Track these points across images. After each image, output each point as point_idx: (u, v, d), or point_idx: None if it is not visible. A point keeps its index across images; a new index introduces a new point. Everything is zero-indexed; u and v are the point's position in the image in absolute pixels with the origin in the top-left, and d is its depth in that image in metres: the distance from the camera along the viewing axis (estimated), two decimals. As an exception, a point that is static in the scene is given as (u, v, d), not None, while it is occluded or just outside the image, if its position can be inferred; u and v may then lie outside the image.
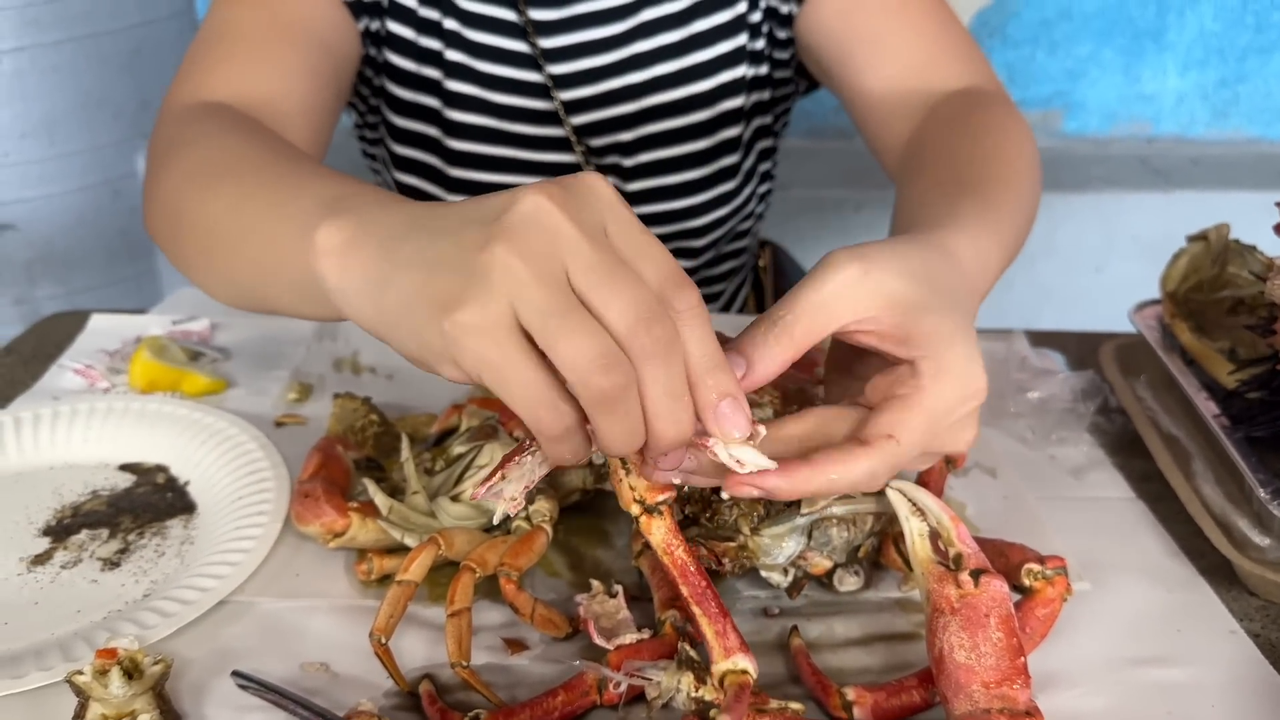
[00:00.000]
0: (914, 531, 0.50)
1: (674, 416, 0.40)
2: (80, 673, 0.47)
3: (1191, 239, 0.78)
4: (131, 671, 0.47)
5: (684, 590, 0.46)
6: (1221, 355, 0.71)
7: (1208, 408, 0.67)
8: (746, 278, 1.10)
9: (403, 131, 0.88)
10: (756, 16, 0.87)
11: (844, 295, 0.45)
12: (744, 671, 0.45)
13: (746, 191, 0.94)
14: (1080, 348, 0.82)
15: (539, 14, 0.85)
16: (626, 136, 0.88)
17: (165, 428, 0.68)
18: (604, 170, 0.89)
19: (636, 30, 0.86)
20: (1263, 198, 0.76)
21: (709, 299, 1.02)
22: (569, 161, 0.88)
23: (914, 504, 0.50)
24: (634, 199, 0.90)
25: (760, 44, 0.88)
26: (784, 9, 0.86)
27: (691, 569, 0.46)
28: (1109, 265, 1.74)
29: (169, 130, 0.69)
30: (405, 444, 0.61)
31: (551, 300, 0.38)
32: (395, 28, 0.85)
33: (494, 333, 0.39)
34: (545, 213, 0.39)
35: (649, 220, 0.91)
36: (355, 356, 0.79)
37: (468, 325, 0.39)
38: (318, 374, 0.77)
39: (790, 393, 0.57)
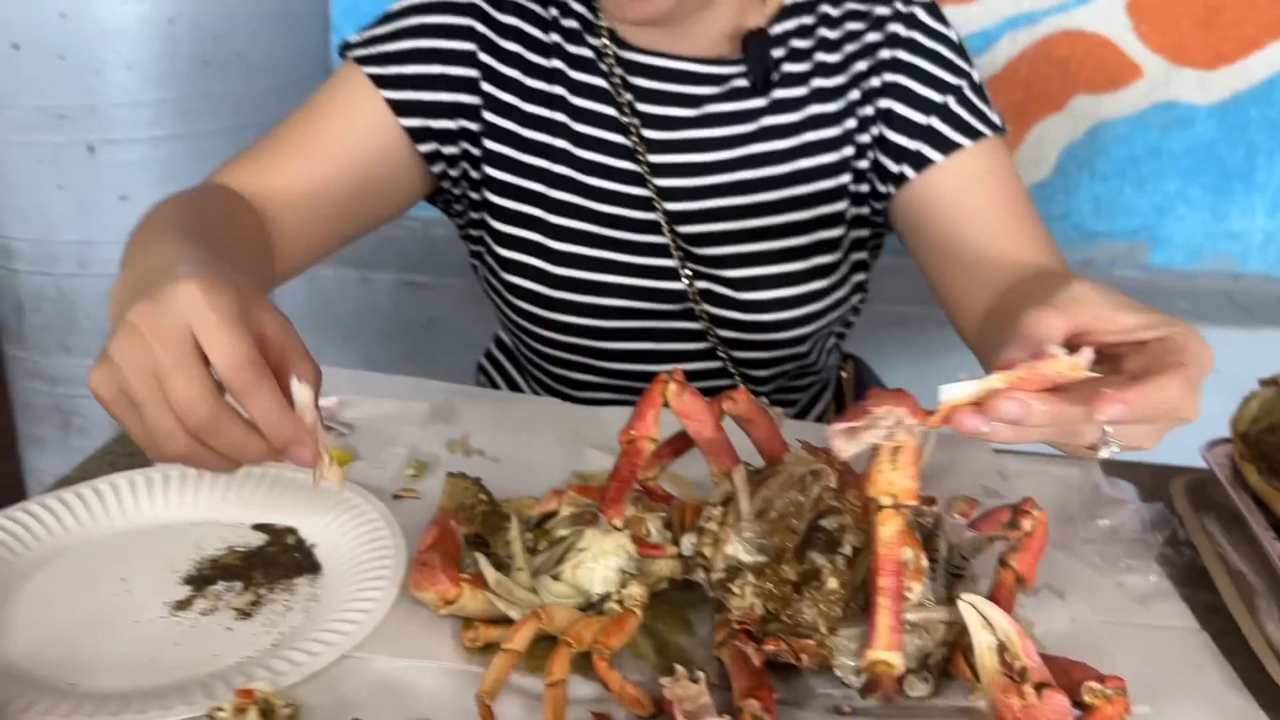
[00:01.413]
0: (982, 644, 0.53)
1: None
2: (221, 709, 0.53)
3: (1264, 383, 0.81)
4: (266, 712, 0.53)
5: (883, 582, 0.53)
6: (1291, 497, 0.74)
7: (1274, 547, 0.70)
8: (828, 388, 1.15)
9: (507, 237, 0.95)
10: (863, 164, 0.94)
11: (1089, 297, 0.57)
12: (892, 665, 0.53)
13: (835, 314, 0.99)
14: (1153, 479, 0.85)
15: (651, 133, 0.93)
16: (725, 250, 0.94)
17: (296, 494, 0.75)
18: (702, 278, 0.96)
19: (745, 160, 0.93)
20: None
21: (785, 404, 1.07)
22: (668, 265, 0.95)
23: (984, 618, 0.54)
24: (729, 304, 0.96)
25: (864, 187, 0.95)
26: (894, 169, 0.92)
27: (898, 570, 0.53)
28: (1192, 398, 1.75)
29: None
30: (515, 524, 0.66)
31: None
32: (495, 147, 0.93)
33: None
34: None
35: (742, 326, 0.97)
36: (466, 439, 0.86)
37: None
38: (432, 453, 0.84)
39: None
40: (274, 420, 0.56)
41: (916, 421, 0.52)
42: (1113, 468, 0.85)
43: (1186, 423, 0.56)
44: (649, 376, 0.99)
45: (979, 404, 0.50)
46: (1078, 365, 0.50)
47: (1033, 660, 0.52)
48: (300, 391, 0.57)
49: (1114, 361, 0.58)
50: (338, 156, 0.89)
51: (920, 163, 0.91)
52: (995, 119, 0.93)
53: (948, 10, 0.95)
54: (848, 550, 0.59)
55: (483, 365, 1.18)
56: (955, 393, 0.51)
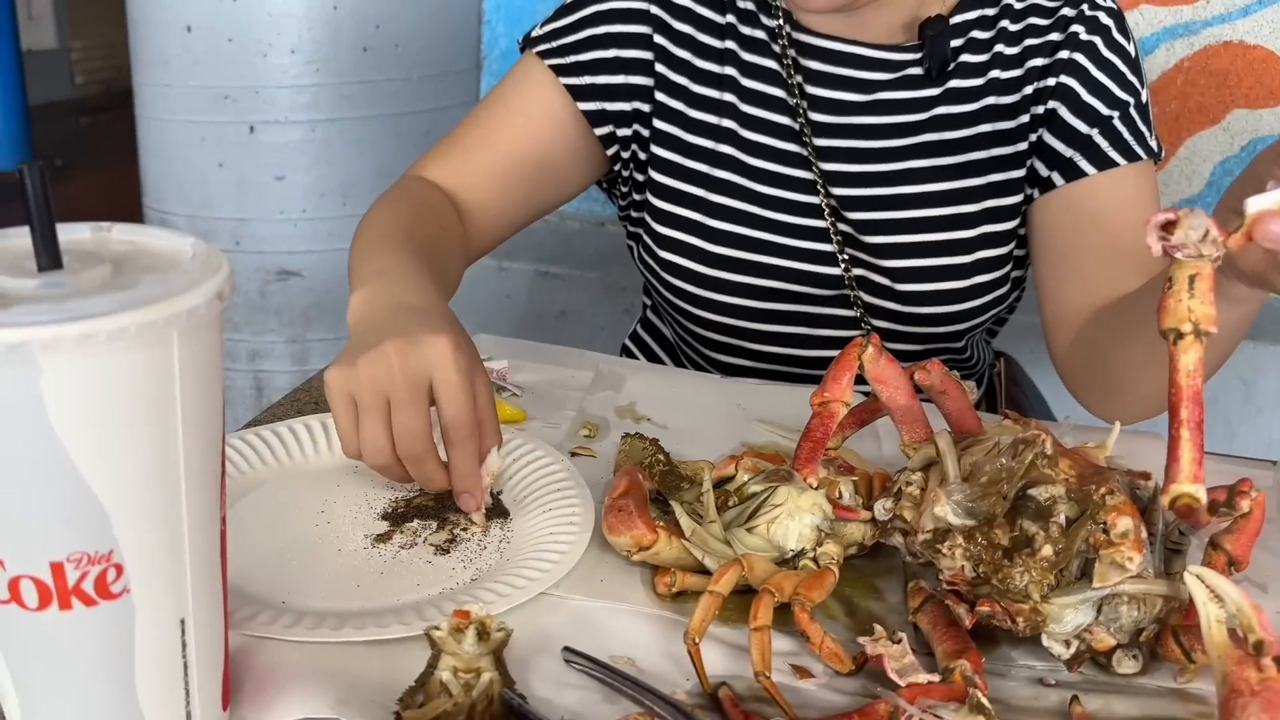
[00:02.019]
0: (1211, 616, 0.51)
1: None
2: (437, 628, 0.54)
3: None
4: (481, 633, 0.54)
5: (1185, 413, 0.52)
6: None
7: None
8: (981, 384, 1.12)
9: (667, 215, 0.96)
10: (1029, 161, 0.93)
11: None
12: (1197, 498, 0.52)
13: (994, 311, 0.98)
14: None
15: (819, 117, 0.93)
16: (888, 240, 0.93)
17: (480, 443, 0.76)
18: (860, 265, 0.95)
19: (916, 148, 0.92)
20: None
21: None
22: (827, 250, 0.94)
23: (1213, 591, 0.52)
24: (885, 294, 0.95)
25: (1030, 190, 0.94)
26: (1045, 173, 0.92)
27: (1198, 400, 0.53)
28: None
29: (394, 185, 0.93)
30: (707, 476, 0.67)
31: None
32: (663, 126, 0.94)
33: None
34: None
35: (898, 317, 0.96)
36: (633, 406, 0.87)
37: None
38: (602, 417, 0.85)
39: (1088, 474, 0.60)
40: (466, 472, 0.67)
41: (1223, 238, 0.51)
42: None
43: None
44: (799, 361, 1.00)
45: None
46: None
47: (1269, 633, 0.50)
48: (493, 458, 0.68)
49: None
50: (520, 147, 0.94)
51: (1072, 173, 0.90)
52: (1153, 144, 0.91)
53: None
54: (1061, 520, 0.58)
55: (627, 347, 1.19)
56: (1263, 202, 0.51)
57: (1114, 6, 0.93)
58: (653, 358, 1.14)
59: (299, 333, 1.67)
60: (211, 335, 0.43)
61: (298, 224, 1.63)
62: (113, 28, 1.66)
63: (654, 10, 0.94)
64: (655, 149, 0.95)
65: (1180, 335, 0.52)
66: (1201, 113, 1.71)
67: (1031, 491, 0.60)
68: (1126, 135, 0.90)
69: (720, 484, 0.73)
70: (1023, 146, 0.92)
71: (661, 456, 0.74)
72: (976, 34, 0.93)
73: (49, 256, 0.42)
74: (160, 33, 1.59)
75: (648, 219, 0.98)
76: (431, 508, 0.70)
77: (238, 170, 1.61)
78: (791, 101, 0.93)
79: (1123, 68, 0.91)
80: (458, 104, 1.72)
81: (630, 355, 1.17)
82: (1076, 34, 0.91)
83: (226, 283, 0.44)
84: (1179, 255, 0.52)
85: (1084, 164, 0.90)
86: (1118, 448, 0.66)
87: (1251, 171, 0.59)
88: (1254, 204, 0.51)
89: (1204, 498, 0.53)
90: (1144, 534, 0.57)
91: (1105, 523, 0.56)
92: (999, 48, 0.92)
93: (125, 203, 2.05)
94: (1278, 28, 1.66)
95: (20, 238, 0.43)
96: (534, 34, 0.96)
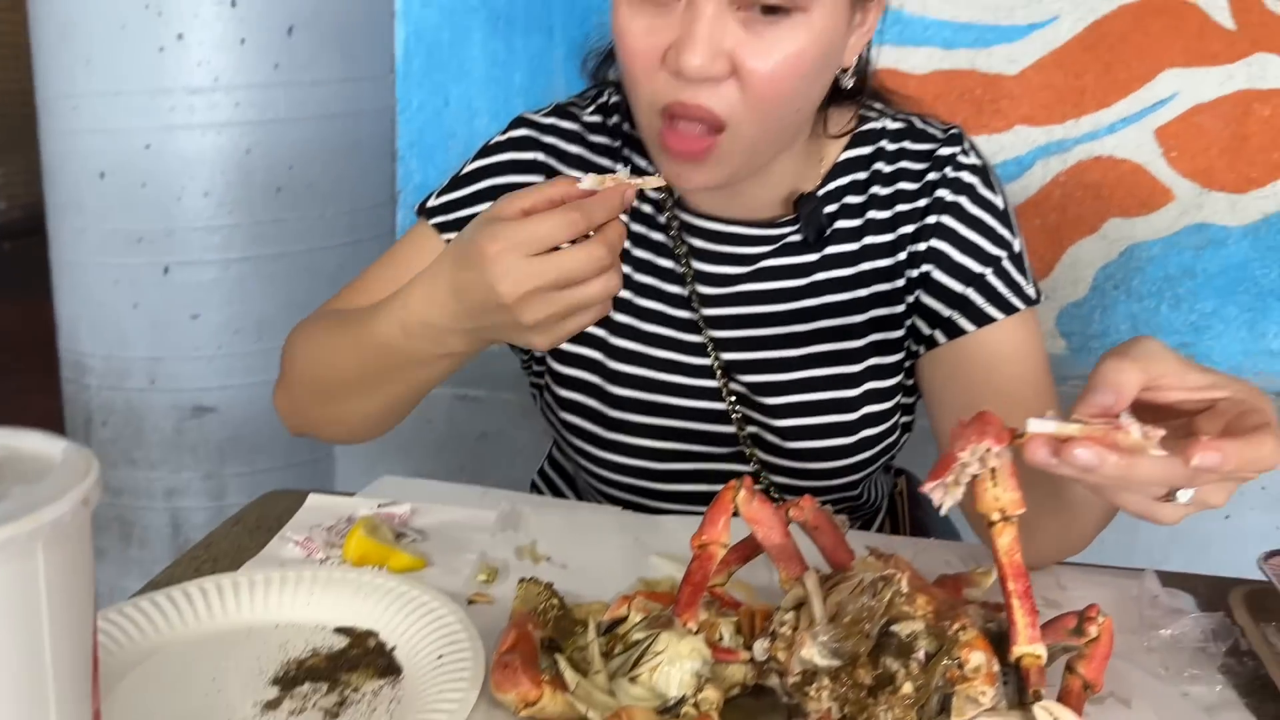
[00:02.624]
0: (1057, 746, 0.55)
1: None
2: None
3: (1318, 495, 0.82)
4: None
5: (1012, 585, 0.60)
6: (1353, 609, 0.74)
7: (1340, 658, 0.70)
8: (882, 504, 1.16)
9: (567, 378, 0.99)
10: (909, 321, 0.96)
11: (1161, 353, 0.60)
12: (1037, 656, 0.59)
13: (884, 459, 1.00)
14: (1210, 591, 0.86)
15: (706, 289, 0.96)
16: (778, 400, 0.96)
17: (376, 598, 0.78)
18: (752, 423, 0.98)
19: (799, 313, 0.95)
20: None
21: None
22: (720, 409, 0.97)
23: (1057, 720, 0.55)
24: (778, 451, 0.97)
25: (916, 347, 0.97)
26: (927, 331, 0.94)
27: (1022, 573, 0.60)
28: (1237, 513, 1.74)
29: (287, 345, 0.96)
30: (592, 628, 0.69)
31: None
32: None
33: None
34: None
35: (792, 473, 0.98)
36: (534, 545, 0.89)
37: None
38: (502, 559, 0.87)
39: (944, 609, 0.63)
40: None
41: (1002, 447, 0.57)
42: (1169, 578, 0.87)
43: (1268, 469, 0.58)
44: (700, 512, 1.02)
45: (1058, 442, 0.55)
46: (1148, 442, 0.54)
47: (1109, 763, 0.53)
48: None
49: (1176, 418, 0.60)
50: None
51: (954, 331, 0.92)
52: (1030, 291, 0.93)
53: (981, 139, 1.00)
54: (921, 655, 0.61)
55: (536, 483, 1.20)
56: (1041, 426, 0.56)
57: (977, 163, 0.95)
58: (560, 494, 1.16)
59: (215, 468, 1.67)
60: (79, 539, 0.45)
61: (212, 360, 1.64)
62: (34, 153, 1.68)
63: (548, 161, 0.98)
64: None
65: (992, 522, 0.59)
66: (1080, 222, 1.81)
67: (894, 628, 0.63)
68: (1002, 289, 0.92)
69: (613, 626, 0.75)
70: (901, 308, 0.95)
71: (555, 601, 0.76)
72: (850, 199, 0.95)
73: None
74: (74, 178, 1.62)
75: (548, 379, 1.01)
76: (323, 669, 0.71)
77: (152, 310, 1.63)
78: (680, 271, 0.97)
79: (992, 222, 0.93)
80: (371, 237, 1.76)
81: (538, 492, 1.19)
82: (942, 197, 0.93)
83: (94, 488, 0.46)
84: (968, 478, 0.58)
85: (964, 322, 0.92)
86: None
87: (1094, 373, 0.60)
88: (1033, 425, 0.56)
89: (1044, 654, 0.59)
90: (996, 667, 0.60)
91: (959, 658, 0.59)
92: (871, 213, 0.95)
93: (42, 335, 2.04)
94: (1142, 143, 1.78)
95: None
96: (429, 204, 0.99)
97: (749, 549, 0.75)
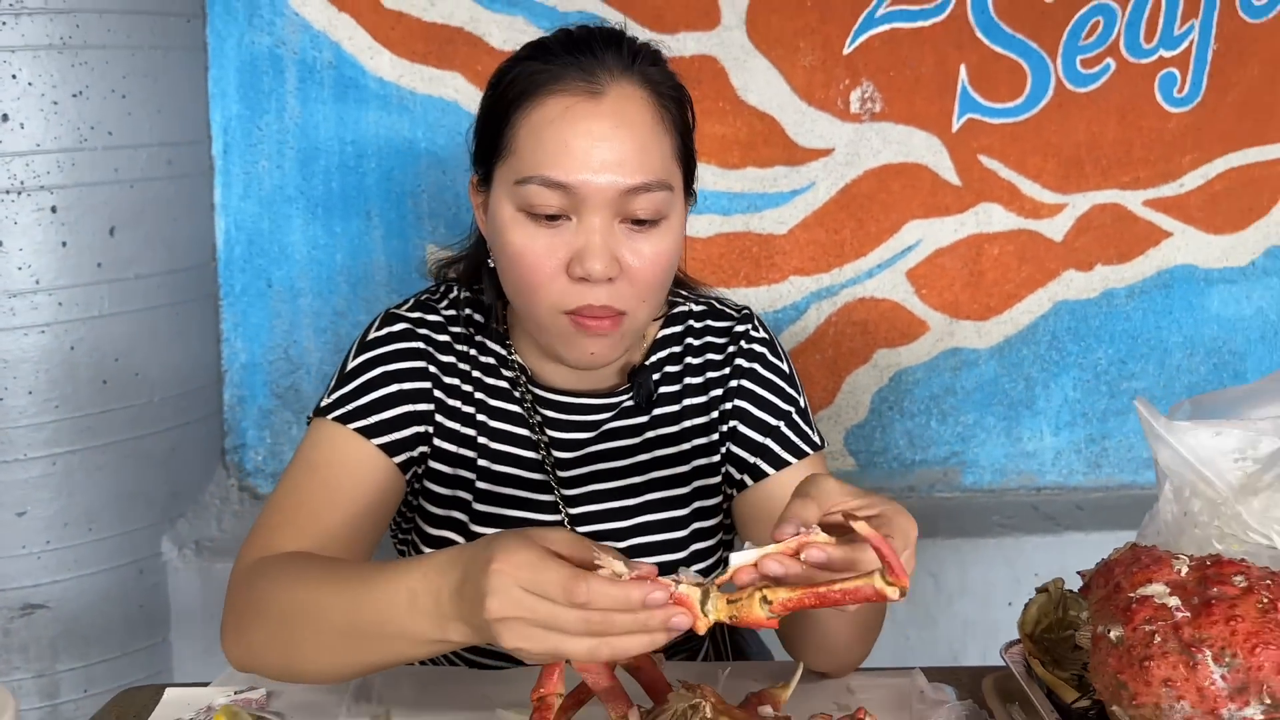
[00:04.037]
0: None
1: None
2: None
3: (1039, 590, 1.01)
4: None
5: (810, 599, 0.73)
6: (1070, 683, 0.92)
7: (1060, 726, 0.87)
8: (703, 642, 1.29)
9: (434, 539, 1.09)
10: (730, 471, 1.13)
11: (830, 487, 0.78)
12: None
13: (716, 556, 1.15)
14: (970, 679, 1.03)
15: (560, 454, 1.10)
16: (617, 545, 1.06)
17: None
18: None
19: (636, 467, 1.10)
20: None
21: (670, 650, 1.21)
22: None
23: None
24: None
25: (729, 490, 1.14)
26: (738, 476, 1.11)
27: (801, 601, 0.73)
28: (1018, 599, 1.96)
29: (245, 583, 0.94)
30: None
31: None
32: (436, 466, 1.08)
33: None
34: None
35: None
36: (389, 715, 0.97)
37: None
38: (361, 730, 0.95)
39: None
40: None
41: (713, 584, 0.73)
42: (936, 673, 1.03)
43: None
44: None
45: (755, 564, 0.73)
46: (826, 540, 0.73)
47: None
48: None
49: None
50: (352, 510, 1.00)
51: (758, 474, 1.10)
52: (816, 439, 1.12)
53: (761, 290, 1.18)
54: (726, 766, 0.74)
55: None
56: (739, 559, 0.73)
57: (766, 337, 1.13)
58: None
59: (47, 666, 1.64)
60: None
61: (41, 556, 1.63)
62: None
63: (430, 368, 1.07)
64: (428, 484, 1.09)
65: (769, 603, 0.73)
66: (854, 355, 2.06)
67: (705, 748, 0.76)
68: (794, 438, 1.10)
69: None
70: (717, 458, 1.13)
71: (416, 763, 0.85)
72: (669, 369, 1.13)
73: None
74: (-115, 383, 1.61)
75: (415, 538, 1.11)
76: None
77: (-27, 512, 1.61)
78: (534, 439, 1.10)
79: (780, 383, 1.12)
80: (199, 418, 1.80)
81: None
82: (740, 365, 1.12)
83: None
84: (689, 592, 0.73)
85: (765, 466, 1.10)
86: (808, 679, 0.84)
87: (788, 515, 0.76)
88: (733, 559, 0.73)
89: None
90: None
91: (756, 767, 0.72)
92: (687, 379, 1.13)
93: None
94: (897, 284, 2.06)
95: None
96: (324, 404, 1.05)
97: (583, 693, 0.87)
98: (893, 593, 0.70)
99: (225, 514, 1.86)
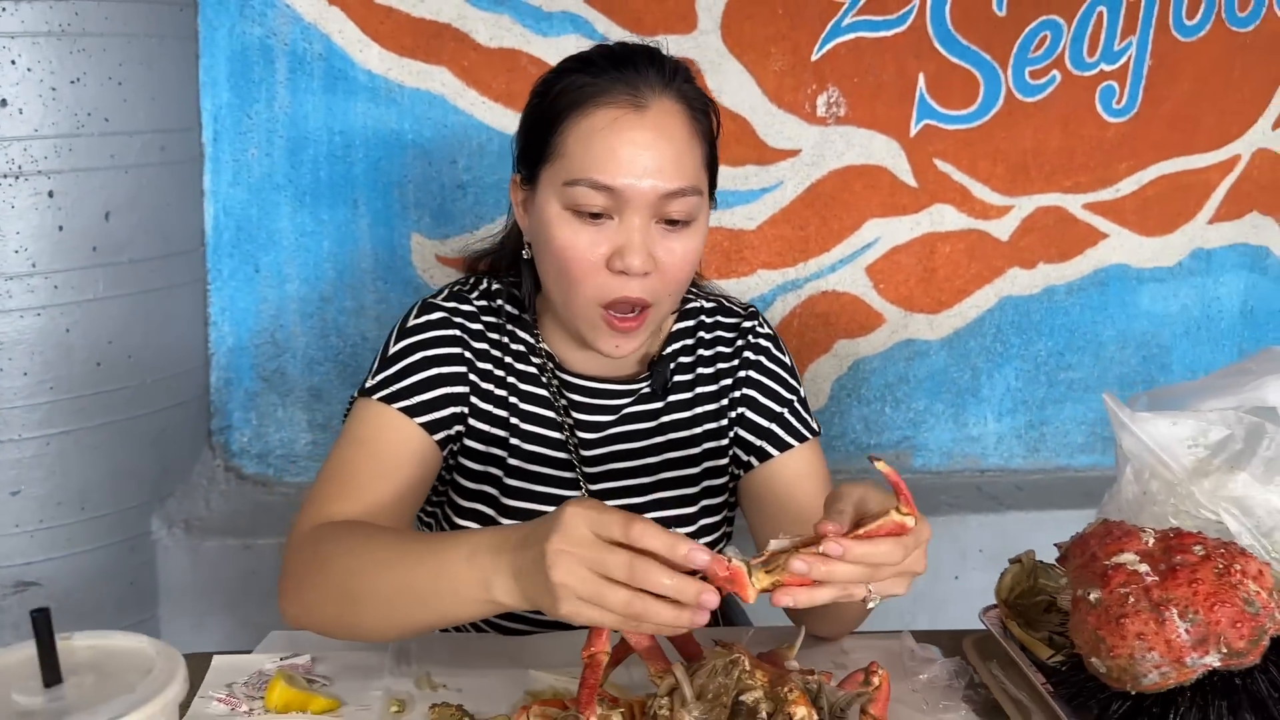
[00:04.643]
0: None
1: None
2: None
3: (1012, 561, 1.13)
4: None
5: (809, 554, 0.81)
6: (1044, 642, 1.04)
7: (1038, 679, 0.99)
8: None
9: (465, 510, 1.18)
10: (738, 453, 1.23)
11: (865, 493, 0.84)
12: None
13: (721, 530, 1.26)
14: (950, 641, 1.14)
15: (584, 434, 1.19)
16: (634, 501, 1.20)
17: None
18: None
19: (652, 448, 1.19)
20: (1072, 515, 1.12)
21: None
22: None
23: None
24: None
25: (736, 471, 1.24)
26: (744, 458, 1.21)
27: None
28: (965, 574, 2.12)
29: (306, 546, 1.01)
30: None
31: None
32: (471, 444, 1.16)
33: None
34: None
35: None
36: (429, 675, 1.05)
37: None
38: (406, 690, 1.02)
39: (775, 678, 0.87)
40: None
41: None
42: (920, 635, 1.14)
43: (918, 574, 0.86)
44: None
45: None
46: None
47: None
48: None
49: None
50: (399, 482, 1.08)
51: (763, 456, 1.21)
52: (815, 426, 1.24)
53: (732, 282, 1.28)
54: (763, 715, 0.84)
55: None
56: (775, 545, 0.82)
57: (770, 333, 1.24)
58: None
59: (40, 643, 1.66)
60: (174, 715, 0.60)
61: (34, 535, 1.66)
62: None
63: (465, 354, 1.15)
64: (467, 441, 1.17)
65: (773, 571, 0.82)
66: (816, 345, 2.18)
67: (742, 698, 0.86)
68: (795, 423, 1.22)
69: (516, 735, 0.93)
70: (725, 442, 1.23)
71: (469, 719, 0.93)
72: (683, 359, 1.23)
73: (51, 674, 0.58)
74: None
75: (447, 510, 1.19)
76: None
77: (-32, 492, 1.63)
78: (559, 420, 1.19)
79: (784, 374, 1.23)
80: (188, 400, 1.84)
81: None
82: (748, 357, 1.23)
83: (184, 670, 0.61)
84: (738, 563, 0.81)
85: (770, 449, 1.21)
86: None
87: (826, 507, 0.85)
88: (771, 545, 0.82)
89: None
90: (815, 716, 0.84)
91: (790, 713, 0.82)
92: (700, 370, 1.23)
93: None
94: (856, 279, 2.18)
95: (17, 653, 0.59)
96: (369, 385, 1.13)
97: (622, 652, 0.96)
98: (909, 521, 0.81)
99: (212, 493, 1.90)
